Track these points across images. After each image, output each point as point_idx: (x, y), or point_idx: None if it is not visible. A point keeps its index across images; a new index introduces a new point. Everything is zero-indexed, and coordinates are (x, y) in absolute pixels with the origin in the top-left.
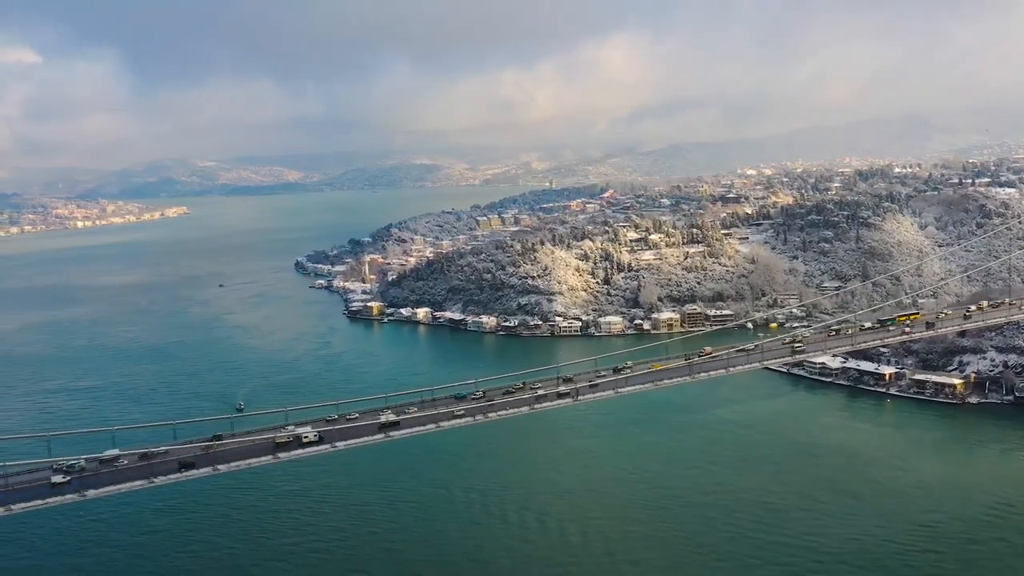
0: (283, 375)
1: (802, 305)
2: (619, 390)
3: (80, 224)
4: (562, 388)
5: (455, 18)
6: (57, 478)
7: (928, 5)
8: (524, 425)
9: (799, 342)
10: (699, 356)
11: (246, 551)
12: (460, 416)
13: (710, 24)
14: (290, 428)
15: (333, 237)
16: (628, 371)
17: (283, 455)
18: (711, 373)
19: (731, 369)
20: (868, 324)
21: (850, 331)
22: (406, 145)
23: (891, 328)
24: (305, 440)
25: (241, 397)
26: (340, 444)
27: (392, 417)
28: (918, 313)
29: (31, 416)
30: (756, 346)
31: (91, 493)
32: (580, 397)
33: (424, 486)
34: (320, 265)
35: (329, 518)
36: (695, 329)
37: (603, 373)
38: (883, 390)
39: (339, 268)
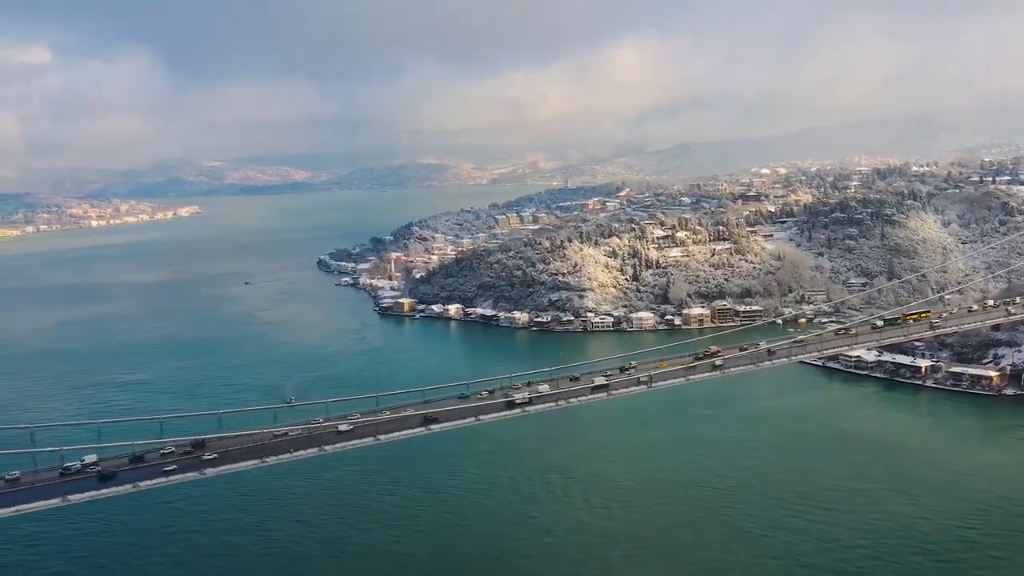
0: (326, 369)
1: (830, 302)
2: (689, 378)
3: (95, 223)
4: (642, 376)
5: (470, 20)
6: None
7: (933, 6)
8: (555, 420)
9: (937, 318)
10: (705, 355)
11: (342, 526)
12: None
13: (718, 26)
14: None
15: (346, 236)
16: (632, 371)
17: (531, 409)
18: (775, 362)
19: (793, 357)
20: (880, 322)
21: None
22: (412, 145)
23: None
24: (518, 400)
25: (290, 390)
26: (573, 400)
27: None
28: (928, 311)
29: (86, 407)
30: (763, 345)
31: (384, 438)
32: (654, 384)
33: (475, 475)
34: (343, 263)
35: (411, 498)
36: (725, 325)
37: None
38: (919, 383)
39: (363, 266)
